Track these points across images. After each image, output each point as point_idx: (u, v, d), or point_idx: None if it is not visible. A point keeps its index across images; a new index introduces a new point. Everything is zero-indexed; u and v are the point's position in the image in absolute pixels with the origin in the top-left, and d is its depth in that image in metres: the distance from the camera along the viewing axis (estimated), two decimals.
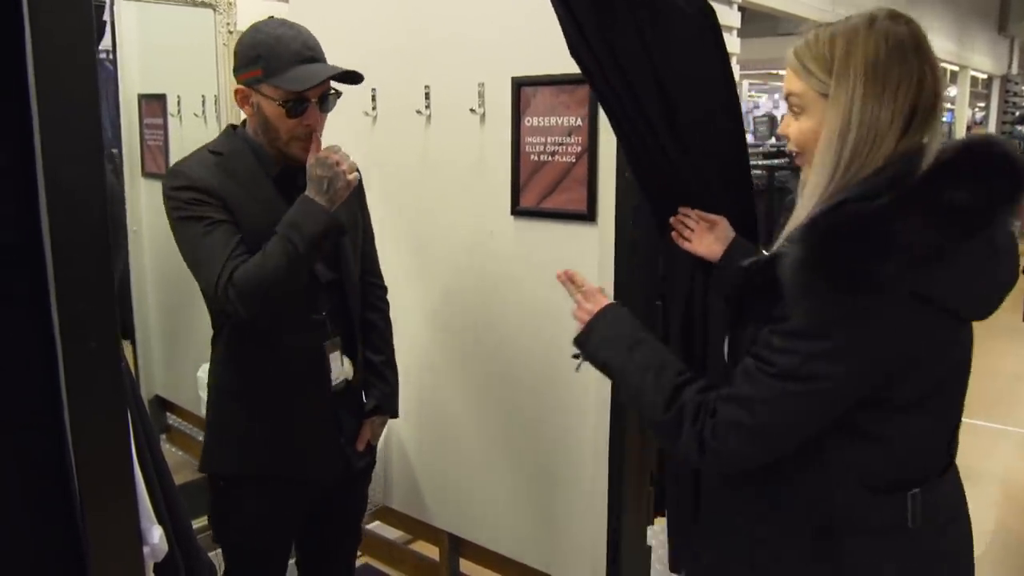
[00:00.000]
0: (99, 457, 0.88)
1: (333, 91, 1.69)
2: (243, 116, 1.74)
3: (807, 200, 1.13)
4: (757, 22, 7.96)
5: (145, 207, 3.04)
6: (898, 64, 1.09)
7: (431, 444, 2.58)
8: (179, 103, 2.97)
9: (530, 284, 2.23)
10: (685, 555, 1.84)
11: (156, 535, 1.05)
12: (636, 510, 2.12)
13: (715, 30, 1.53)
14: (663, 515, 2.03)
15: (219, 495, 1.80)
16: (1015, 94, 10.77)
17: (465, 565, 2.64)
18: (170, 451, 3.09)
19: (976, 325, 1.16)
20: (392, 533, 2.90)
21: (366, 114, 2.52)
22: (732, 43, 3.86)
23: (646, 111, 1.58)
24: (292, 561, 2.02)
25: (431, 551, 2.73)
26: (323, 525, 1.95)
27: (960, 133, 9.32)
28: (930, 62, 1.10)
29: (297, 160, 1.67)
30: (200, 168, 1.64)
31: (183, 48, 2.84)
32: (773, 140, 10.98)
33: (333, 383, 1.79)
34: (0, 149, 0.79)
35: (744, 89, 16.67)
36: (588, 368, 2.09)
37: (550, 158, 2.12)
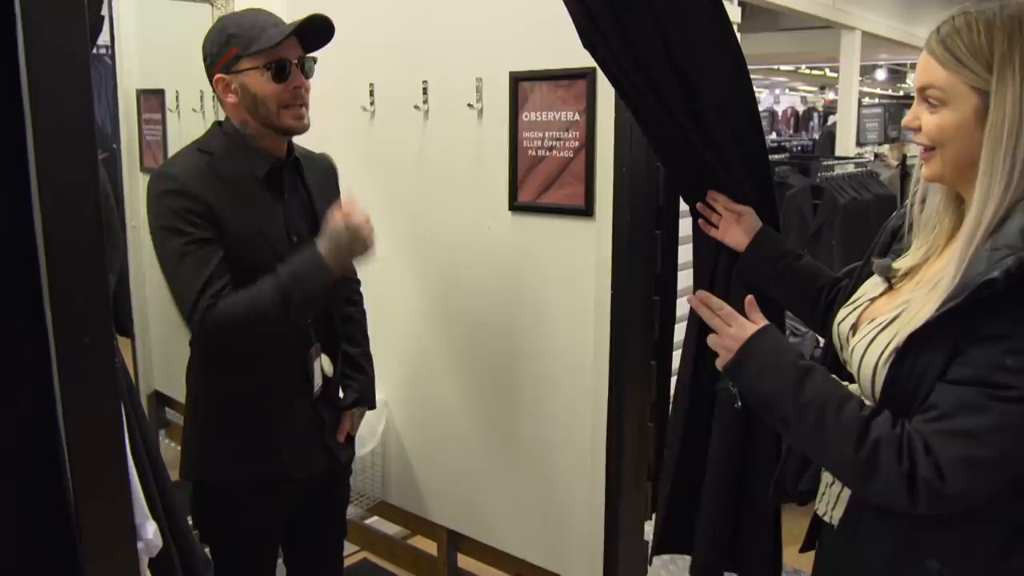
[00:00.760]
0: (93, 452, 0.88)
1: (312, 58, 1.71)
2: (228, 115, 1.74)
3: (983, 204, 1.07)
4: (757, 17, 7.95)
5: (144, 203, 3.04)
6: None
7: (429, 439, 2.58)
8: (177, 98, 2.96)
9: (528, 279, 2.23)
10: (673, 536, 1.84)
11: (150, 530, 1.05)
12: (633, 505, 2.13)
13: (724, 13, 1.52)
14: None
15: (203, 500, 1.80)
16: None
17: (463, 560, 2.65)
18: (169, 447, 3.08)
19: None
20: (390, 528, 2.91)
21: (364, 109, 2.52)
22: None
23: (664, 97, 1.56)
24: (280, 559, 2.03)
25: (429, 546, 2.73)
26: (309, 520, 1.95)
27: None
28: None
29: (291, 131, 1.68)
30: (189, 171, 1.63)
31: (181, 43, 2.83)
32: (773, 136, 10.99)
33: (315, 389, 1.79)
34: None
35: None
36: (585, 363, 2.12)
37: (548, 153, 2.12)
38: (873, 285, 1.32)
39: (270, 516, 1.83)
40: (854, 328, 1.28)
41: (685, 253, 1.91)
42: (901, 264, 1.29)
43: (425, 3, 2.33)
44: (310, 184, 1.80)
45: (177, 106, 2.96)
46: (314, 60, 1.72)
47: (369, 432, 2.56)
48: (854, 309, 1.31)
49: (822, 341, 1.88)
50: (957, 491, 1.03)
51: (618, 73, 1.60)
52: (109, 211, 1.78)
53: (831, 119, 10.37)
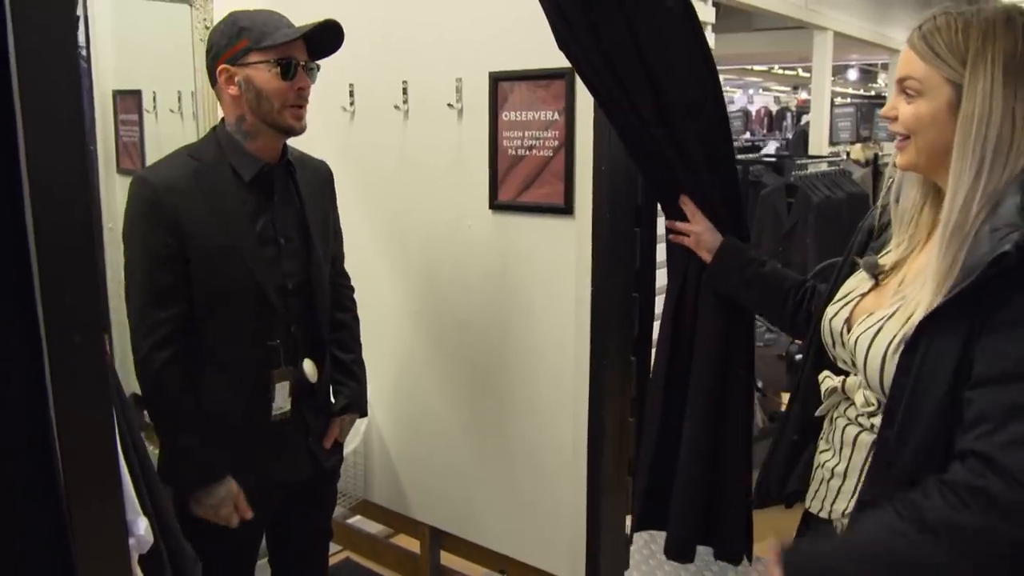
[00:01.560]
0: (84, 448, 0.89)
1: (316, 64, 1.73)
2: (220, 114, 1.75)
3: (955, 190, 1.12)
4: (732, 17, 8.02)
5: (121, 204, 3.02)
6: None
7: (411, 438, 2.59)
8: (155, 99, 2.95)
9: (509, 277, 2.25)
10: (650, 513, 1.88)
11: (142, 526, 1.06)
12: (615, 499, 2.15)
13: (694, 18, 1.56)
14: None
15: (183, 504, 1.78)
16: None
17: (446, 558, 2.66)
18: (150, 451, 3.06)
19: None
20: (373, 527, 2.92)
21: (344, 109, 2.53)
22: (707, 39, 3.90)
23: (634, 100, 1.60)
24: (265, 560, 2.03)
25: (412, 544, 2.75)
26: (293, 523, 1.95)
27: None
28: None
29: (291, 130, 1.71)
30: (169, 178, 1.66)
31: (159, 44, 2.83)
32: (748, 135, 11.07)
33: (273, 413, 1.76)
34: None
35: None
36: (566, 360, 2.14)
37: (528, 152, 2.14)
38: (860, 281, 1.35)
39: (252, 520, 1.81)
40: (848, 323, 1.31)
41: (664, 251, 1.93)
42: (885, 260, 1.33)
43: (405, 4, 2.35)
44: (303, 188, 1.81)
45: (155, 107, 2.95)
46: (318, 67, 1.75)
47: (352, 431, 2.56)
48: (844, 305, 1.35)
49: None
50: None
51: (588, 72, 1.64)
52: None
53: (804, 119, 10.47)
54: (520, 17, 2.05)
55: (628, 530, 2.17)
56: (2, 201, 0.82)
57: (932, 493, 1.06)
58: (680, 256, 1.80)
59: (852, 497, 1.30)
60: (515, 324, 2.26)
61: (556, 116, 2.07)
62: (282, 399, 1.77)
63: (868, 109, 6.87)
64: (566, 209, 2.09)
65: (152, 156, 2.88)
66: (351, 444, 2.58)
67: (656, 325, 2.04)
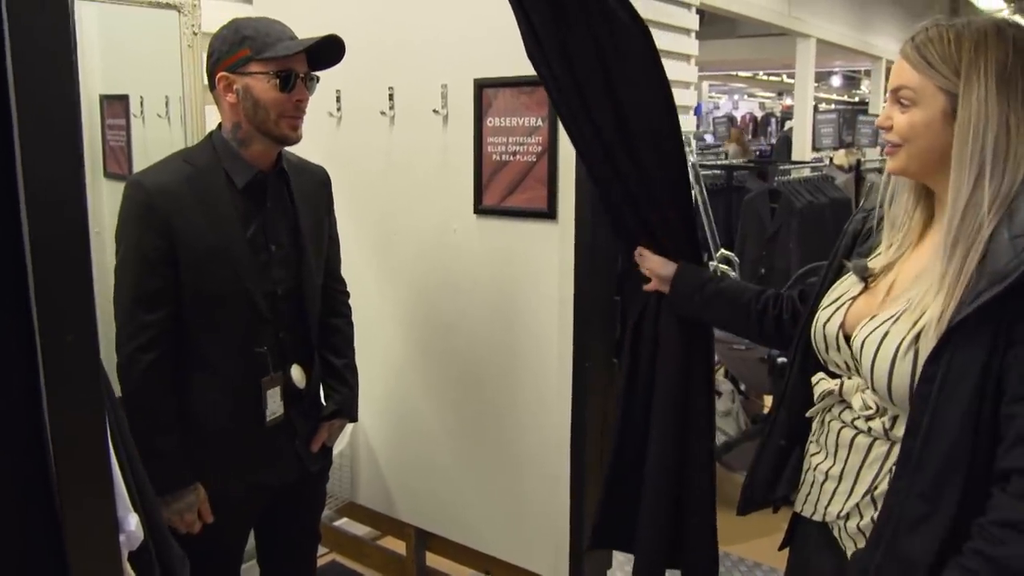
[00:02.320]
0: (77, 446, 0.90)
1: (316, 76, 1.75)
2: (218, 119, 1.77)
3: (956, 194, 1.16)
4: (717, 24, 8.09)
5: (108, 208, 3.03)
6: (1023, 69, 1.15)
7: (397, 440, 2.61)
8: (142, 104, 2.96)
9: (493, 280, 2.28)
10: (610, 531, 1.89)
11: (132, 523, 1.08)
12: (597, 500, 2.17)
13: (654, 46, 1.60)
14: None
15: None
16: None
17: (432, 559, 2.68)
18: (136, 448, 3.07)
19: None
20: (360, 529, 2.93)
21: (331, 115, 2.55)
22: (691, 45, 3.95)
23: (598, 123, 1.63)
24: (253, 561, 2.04)
25: (398, 546, 2.76)
26: (281, 525, 1.97)
27: None
28: None
29: (286, 140, 1.72)
30: (163, 182, 1.67)
31: (146, 49, 2.84)
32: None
33: (268, 419, 1.78)
34: None
35: (704, 90, 16.87)
36: (550, 362, 2.16)
37: (512, 158, 2.17)
38: (849, 285, 1.37)
39: (236, 518, 1.83)
40: (843, 327, 1.33)
41: None
42: (875, 263, 1.35)
43: (391, 11, 2.38)
44: (297, 195, 1.82)
45: (142, 111, 2.96)
46: (317, 78, 1.77)
47: None
48: (836, 310, 1.35)
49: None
50: None
51: (556, 95, 1.67)
52: None
53: (788, 124, 10.54)
54: (504, 25, 2.06)
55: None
56: None
57: (995, 536, 1.07)
58: (638, 289, 1.82)
59: (848, 499, 1.31)
60: (499, 327, 2.29)
61: (539, 122, 2.11)
62: (275, 404, 1.79)
63: (851, 115, 6.93)
64: (549, 213, 2.12)
65: (139, 160, 2.88)
66: (338, 447, 2.59)
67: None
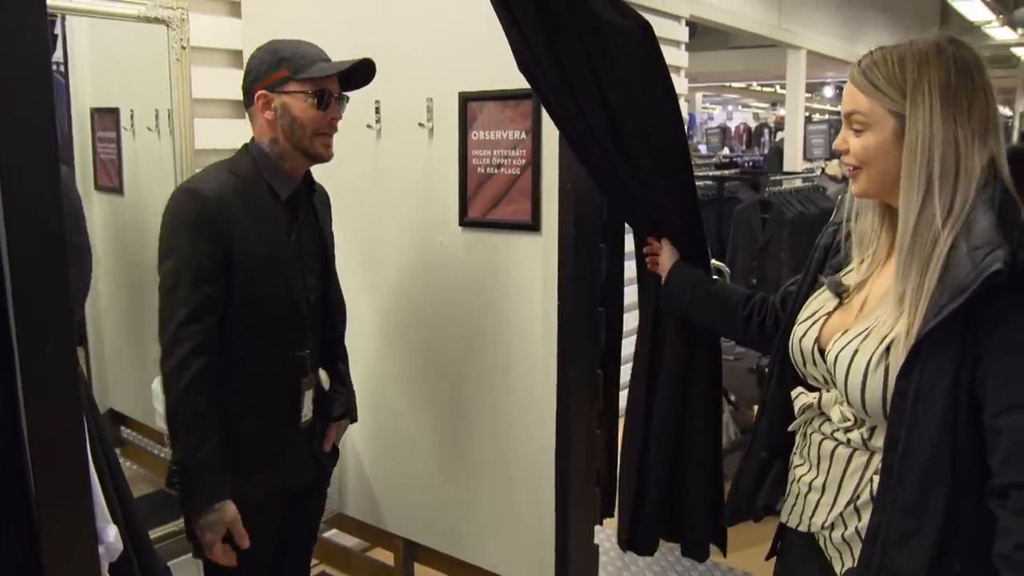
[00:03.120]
0: (55, 457, 0.91)
1: (346, 96, 1.85)
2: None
3: (906, 213, 1.19)
4: (710, 36, 8.13)
5: (99, 221, 3.04)
6: (965, 86, 1.18)
7: (385, 452, 2.62)
8: (132, 117, 2.98)
9: (479, 292, 2.29)
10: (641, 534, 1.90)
11: (111, 534, 1.09)
12: (583, 510, 2.19)
13: (654, 44, 1.60)
14: (611, 515, 2.10)
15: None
16: None
17: (420, 570, 2.68)
18: (126, 466, 3.06)
19: None
20: (348, 540, 2.93)
21: None
22: (680, 56, 3.98)
23: (592, 126, 1.65)
24: None
25: (387, 558, 2.76)
26: (288, 527, 1.98)
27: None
28: (988, 81, 1.20)
29: (320, 157, 1.81)
30: (216, 191, 1.71)
31: (136, 62, 2.85)
32: (726, 151, 11.20)
33: (302, 421, 1.85)
34: None
35: (698, 101, 16.92)
36: (535, 373, 2.18)
37: (496, 170, 2.19)
38: (824, 300, 1.40)
39: (267, 527, 1.86)
40: (818, 342, 1.35)
41: (629, 268, 1.98)
42: (849, 279, 1.38)
43: (377, 26, 2.40)
44: (318, 209, 1.93)
45: (132, 124, 2.98)
46: (347, 98, 1.86)
47: None
48: (812, 325, 1.38)
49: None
50: None
51: (548, 94, 1.69)
52: (80, 233, 1.83)
53: (779, 135, 10.59)
54: (489, 39, 2.09)
55: (597, 542, 2.20)
56: None
57: (1020, 562, 1.09)
58: (651, 288, 1.86)
59: (831, 510, 1.33)
60: (484, 339, 2.30)
61: (523, 135, 2.13)
62: (308, 407, 1.86)
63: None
64: (533, 226, 2.14)
65: (129, 173, 2.90)
66: None
67: (625, 341, 2.09)
